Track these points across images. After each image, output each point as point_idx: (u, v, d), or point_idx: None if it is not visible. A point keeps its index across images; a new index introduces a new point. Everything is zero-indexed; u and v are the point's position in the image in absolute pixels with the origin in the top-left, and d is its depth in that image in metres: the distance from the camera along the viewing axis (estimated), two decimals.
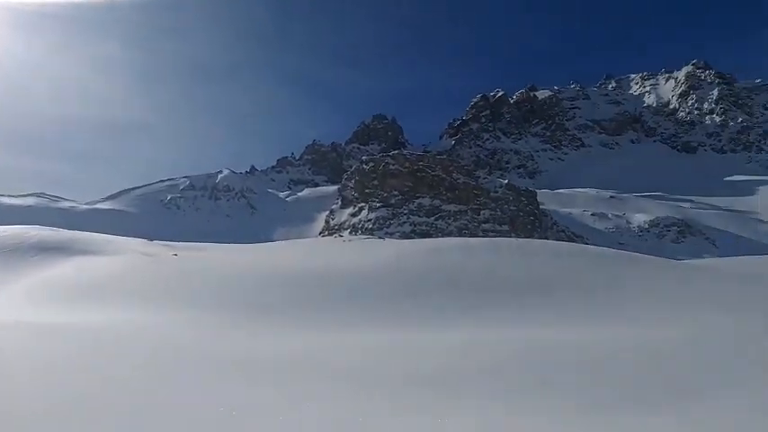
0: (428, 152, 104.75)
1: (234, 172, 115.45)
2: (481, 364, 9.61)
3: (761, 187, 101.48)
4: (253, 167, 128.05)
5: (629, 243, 64.03)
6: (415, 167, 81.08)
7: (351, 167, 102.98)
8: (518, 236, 64.22)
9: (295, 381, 8.73)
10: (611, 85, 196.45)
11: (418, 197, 78.16)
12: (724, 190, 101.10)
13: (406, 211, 76.78)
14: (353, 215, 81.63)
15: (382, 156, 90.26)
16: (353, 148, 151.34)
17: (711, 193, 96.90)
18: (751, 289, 23.36)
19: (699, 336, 13.39)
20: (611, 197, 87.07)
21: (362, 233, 70.35)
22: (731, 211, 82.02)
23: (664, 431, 5.37)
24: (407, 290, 21.55)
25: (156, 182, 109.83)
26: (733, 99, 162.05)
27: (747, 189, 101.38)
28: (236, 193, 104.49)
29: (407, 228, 74.23)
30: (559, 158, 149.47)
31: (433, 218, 75.13)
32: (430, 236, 67.14)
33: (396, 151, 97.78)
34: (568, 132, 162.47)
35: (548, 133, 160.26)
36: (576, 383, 8.01)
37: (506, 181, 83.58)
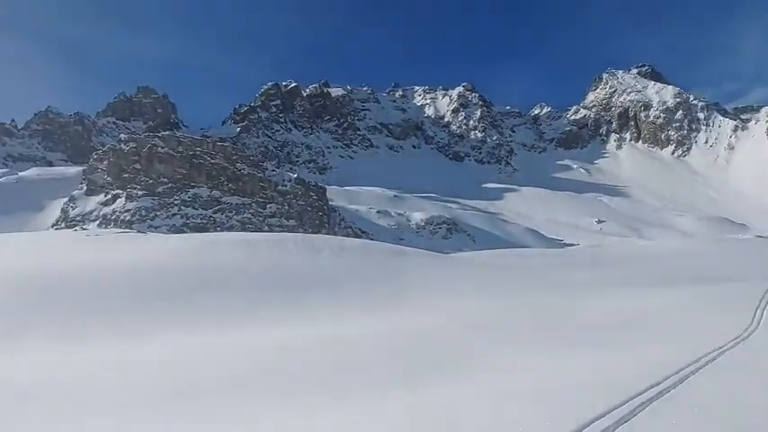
0: (208, 137, 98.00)
1: None
2: (260, 367, 9.16)
3: (507, 194, 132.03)
4: None
5: (408, 239, 73.56)
6: (191, 153, 74.52)
7: (103, 145, 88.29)
8: (306, 231, 66.04)
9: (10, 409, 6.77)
10: (398, 93, 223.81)
11: (193, 186, 72.06)
12: (482, 194, 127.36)
13: (177, 202, 69.73)
14: (105, 204, 69.69)
15: (149, 135, 79.81)
16: (108, 122, 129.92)
17: (472, 197, 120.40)
18: (502, 275, 29.70)
19: (465, 317, 16.03)
20: (395, 196, 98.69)
21: (117, 226, 60.54)
22: (486, 212, 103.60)
23: (435, 402, 5.97)
24: (174, 291, 19.30)
25: None
26: (490, 120, 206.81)
27: (498, 195, 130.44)
28: None
29: (178, 221, 67.58)
30: (350, 156, 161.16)
31: (210, 210, 70.39)
32: (207, 230, 62.77)
33: (167, 132, 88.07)
34: (359, 132, 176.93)
35: (339, 131, 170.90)
36: (353, 374, 8.38)
37: (296, 175, 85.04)
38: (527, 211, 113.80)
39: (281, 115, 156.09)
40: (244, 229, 65.65)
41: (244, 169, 76.38)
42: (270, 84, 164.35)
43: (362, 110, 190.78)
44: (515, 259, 41.20)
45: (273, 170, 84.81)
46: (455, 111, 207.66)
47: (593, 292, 21.45)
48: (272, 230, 65.60)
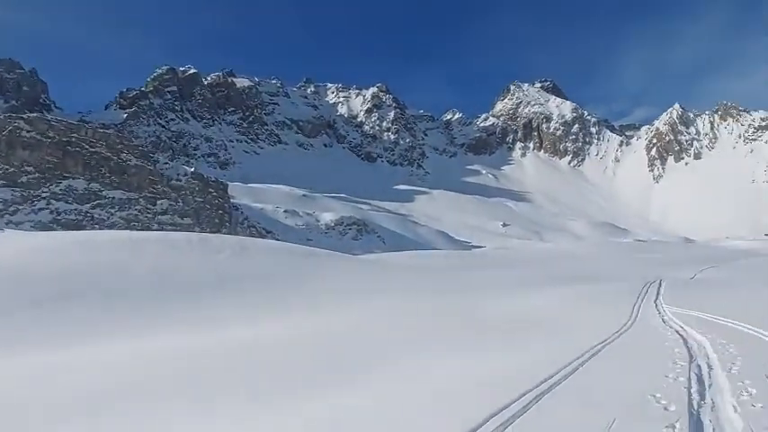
0: (87, 122, 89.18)
1: None
2: (134, 382, 8.33)
3: (417, 196, 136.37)
4: None
5: (316, 239, 72.83)
6: (65, 139, 67.00)
7: None
8: (203, 230, 62.57)
9: None
10: (310, 89, 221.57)
11: (67, 177, 64.84)
12: (393, 196, 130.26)
13: (45, 195, 62.23)
14: None
15: (11, 116, 70.41)
16: None
17: (384, 198, 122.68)
18: (411, 277, 30.36)
19: (367, 319, 16.07)
20: (304, 195, 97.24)
21: None
22: (397, 214, 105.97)
23: (331, 410, 5.82)
24: (36, 297, 17.07)
25: None
26: (404, 122, 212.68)
27: (409, 196, 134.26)
28: None
29: (46, 216, 60.36)
30: (255, 152, 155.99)
31: (88, 205, 63.77)
32: (83, 228, 56.95)
33: (35, 114, 78.49)
34: (266, 127, 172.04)
35: (244, 124, 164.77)
36: (244, 382, 7.94)
37: (193, 169, 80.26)
38: (437, 213, 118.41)
39: (176, 103, 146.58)
40: (129, 228, 60.51)
41: (130, 160, 70.38)
42: (165, 68, 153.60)
43: (271, 103, 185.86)
44: (424, 260, 42.52)
45: (166, 163, 79.28)
46: (369, 111, 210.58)
47: (497, 292, 22.67)
48: (163, 229, 61.20)
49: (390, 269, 32.20)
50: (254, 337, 12.34)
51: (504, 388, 5.52)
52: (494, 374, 6.90)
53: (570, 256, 50.81)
